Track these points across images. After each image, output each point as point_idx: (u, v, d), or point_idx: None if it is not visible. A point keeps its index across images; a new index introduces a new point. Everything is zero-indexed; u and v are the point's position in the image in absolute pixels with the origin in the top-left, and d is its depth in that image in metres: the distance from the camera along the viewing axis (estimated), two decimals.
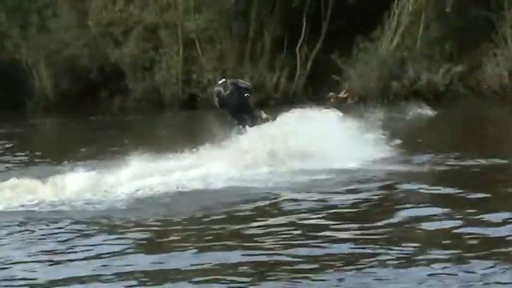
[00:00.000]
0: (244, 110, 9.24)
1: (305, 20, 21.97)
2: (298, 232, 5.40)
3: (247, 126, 9.45)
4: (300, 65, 22.39)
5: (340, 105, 18.17)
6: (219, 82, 9.66)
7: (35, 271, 4.77)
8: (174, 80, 23.06)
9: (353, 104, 19.17)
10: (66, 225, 6.17)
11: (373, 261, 4.40)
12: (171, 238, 5.55)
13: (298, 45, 22.32)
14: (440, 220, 5.49)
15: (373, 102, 19.37)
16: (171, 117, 20.27)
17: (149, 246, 5.50)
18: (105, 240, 5.66)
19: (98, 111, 21.85)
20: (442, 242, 4.85)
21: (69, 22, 24.02)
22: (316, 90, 21.66)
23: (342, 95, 20.50)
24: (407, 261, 4.37)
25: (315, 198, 6.82)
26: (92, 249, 5.25)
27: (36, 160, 10.85)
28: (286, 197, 6.76)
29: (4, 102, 22.74)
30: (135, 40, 22.89)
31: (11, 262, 5.05)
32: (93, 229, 6.05)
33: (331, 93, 20.75)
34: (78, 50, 23.89)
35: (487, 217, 5.54)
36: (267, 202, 6.67)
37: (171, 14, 22.37)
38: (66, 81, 24.28)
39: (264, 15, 22.26)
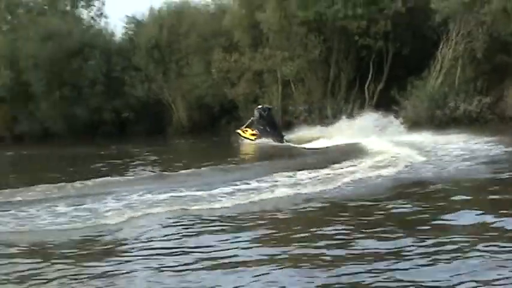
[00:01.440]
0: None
1: (371, 65, 31.06)
2: None
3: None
4: (368, 98, 31.41)
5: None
6: (259, 106, 22.12)
7: None
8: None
9: (408, 128, 28.67)
10: None
11: None
12: None
13: (367, 84, 31.34)
14: None
15: (423, 126, 27.39)
16: None
17: None
18: None
19: (219, 134, 31.72)
20: None
21: (198, 69, 33.85)
22: None
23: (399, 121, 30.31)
24: None
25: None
26: None
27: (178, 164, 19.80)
28: None
29: (152, 129, 34.22)
30: (246, 82, 32.66)
31: None
32: None
33: None
34: (205, 90, 33.75)
35: None
36: None
37: (271, 62, 31.57)
38: (196, 113, 34.58)
39: (341, 62, 31.50)
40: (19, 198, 12.97)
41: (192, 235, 9.39)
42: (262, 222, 10.16)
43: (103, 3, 38.43)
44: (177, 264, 7.77)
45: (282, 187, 13.04)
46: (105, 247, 8.95)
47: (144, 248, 8.70)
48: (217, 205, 11.53)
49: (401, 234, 8.67)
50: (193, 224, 10.11)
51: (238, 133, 27.47)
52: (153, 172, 17.61)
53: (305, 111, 32.23)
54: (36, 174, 19.23)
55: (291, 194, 12.30)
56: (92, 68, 35.24)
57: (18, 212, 11.52)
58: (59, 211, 11.44)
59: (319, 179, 13.98)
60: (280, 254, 8.04)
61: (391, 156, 17.22)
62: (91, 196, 12.88)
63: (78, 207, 11.77)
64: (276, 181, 13.91)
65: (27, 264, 8.02)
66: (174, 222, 10.21)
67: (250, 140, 26.60)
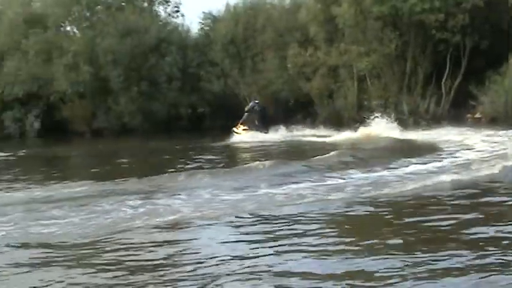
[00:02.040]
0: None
1: (449, 60, 32.33)
2: None
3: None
4: (445, 93, 32.72)
5: (476, 124, 29.77)
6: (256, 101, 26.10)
7: None
8: (350, 106, 34.11)
9: (486, 123, 30.30)
10: None
11: None
12: None
13: (444, 79, 32.60)
14: None
15: (501, 121, 29.19)
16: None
17: None
18: None
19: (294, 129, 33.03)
20: None
21: (273, 65, 35.96)
22: (457, 113, 32.12)
23: (477, 116, 31.83)
24: None
25: None
26: None
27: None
28: None
29: (227, 124, 36.34)
30: (321, 77, 34.39)
31: None
32: None
33: (468, 115, 32.03)
34: (280, 86, 35.76)
35: None
36: None
37: (347, 57, 33.27)
38: (272, 108, 35.76)
39: (417, 56, 32.82)
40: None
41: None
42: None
43: (179, 0, 40.87)
44: None
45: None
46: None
47: None
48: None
49: None
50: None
51: (234, 131, 30.43)
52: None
53: (380, 106, 33.66)
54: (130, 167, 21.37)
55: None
56: (169, 64, 37.60)
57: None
58: None
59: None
60: None
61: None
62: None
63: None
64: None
65: None
66: None
67: (239, 133, 30.10)
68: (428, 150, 20.34)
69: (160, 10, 41.37)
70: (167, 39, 38.58)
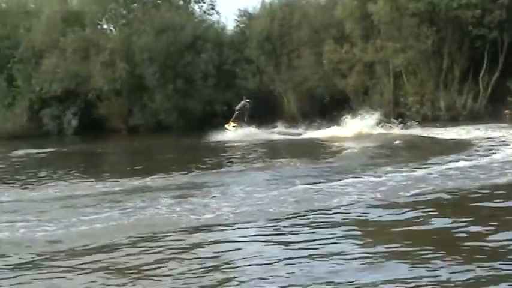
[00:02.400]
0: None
1: (486, 56, 33.29)
2: None
3: None
4: (482, 89, 33.72)
5: None
6: (247, 100, 28.12)
7: None
8: (386, 102, 34.99)
9: None
10: None
11: None
12: None
13: (481, 74, 33.63)
14: None
15: None
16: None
17: None
18: None
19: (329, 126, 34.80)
20: None
21: (309, 61, 37.10)
22: (494, 108, 33.03)
23: None
24: None
25: None
26: None
27: None
28: None
29: (263, 119, 37.46)
30: (357, 73, 35.47)
31: None
32: None
33: (506, 111, 32.80)
34: (315, 82, 36.89)
35: None
36: None
37: (383, 53, 34.26)
38: (307, 105, 37.57)
39: (454, 52, 33.79)
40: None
41: None
42: None
43: None
44: None
45: None
46: None
47: None
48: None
49: None
50: None
51: (225, 128, 32.35)
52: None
53: (417, 103, 34.54)
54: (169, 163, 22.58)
55: None
56: (204, 61, 38.88)
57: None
58: None
59: None
60: None
61: None
62: None
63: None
64: None
65: None
66: None
67: (230, 130, 31.86)
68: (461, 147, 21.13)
69: (196, 8, 42.70)
70: (203, 36, 39.87)
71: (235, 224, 10.80)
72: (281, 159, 19.77)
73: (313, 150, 23.15)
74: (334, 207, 11.59)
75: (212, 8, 42.42)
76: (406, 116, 33.79)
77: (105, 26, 42.14)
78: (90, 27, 40.39)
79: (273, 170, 17.69)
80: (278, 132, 31.75)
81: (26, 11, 42.96)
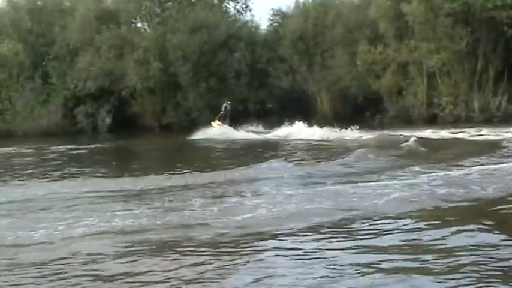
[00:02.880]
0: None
1: None
2: None
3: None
4: None
5: None
6: (229, 102, 31.10)
7: None
8: (420, 103, 36.03)
9: None
10: None
11: None
12: None
13: None
14: None
15: None
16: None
17: None
18: None
19: (363, 126, 34.00)
20: None
21: (342, 61, 38.33)
22: None
23: None
24: None
25: None
26: None
27: None
28: None
29: (295, 119, 38.05)
30: (391, 74, 36.51)
31: None
32: None
33: None
34: (349, 82, 38.11)
35: None
36: None
37: (417, 54, 35.20)
38: (340, 105, 38.96)
39: (488, 53, 34.78)
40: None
41: None
42: None
43: None
44: None
45: None
46: None
47: None
48: None
49: None
50: None
51: (211, 124, 35.97)
52: None
53: (451, 103, 35.58)
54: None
55: None
56: (237, 60, 40.38)
57: None
58: None
59: None
60: None
61: None
62: None
63: None
64: None
65: None
66: None
67: (214, 127, 35.64)
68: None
69: (230, 6, 44.15)
70: (236, 35, 41.36)
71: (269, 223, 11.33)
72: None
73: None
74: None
75: (246, 7, 43.86)
76: (439, 117, 34.95)
77: (139, 25, 43.97)
78: (124, 26, 42.05)
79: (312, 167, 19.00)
80: (259, 132, 34.72)
81: (61, 9, 44.94)
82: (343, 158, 20.58)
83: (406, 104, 36.91)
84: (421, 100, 36.43)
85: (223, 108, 36.53)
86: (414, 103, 36.59)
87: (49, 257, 9.55)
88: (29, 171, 21.44)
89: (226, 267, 8.79)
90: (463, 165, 17.50)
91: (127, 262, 9.16)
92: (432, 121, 34.98)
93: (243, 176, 17.42)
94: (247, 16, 44.47)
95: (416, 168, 17.05)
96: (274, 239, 10.22)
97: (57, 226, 11.50)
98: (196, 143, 31.72)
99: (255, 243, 10.09)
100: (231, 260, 9.09)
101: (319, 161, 20.69)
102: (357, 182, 15.20)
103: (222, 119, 36.15)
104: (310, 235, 10.41)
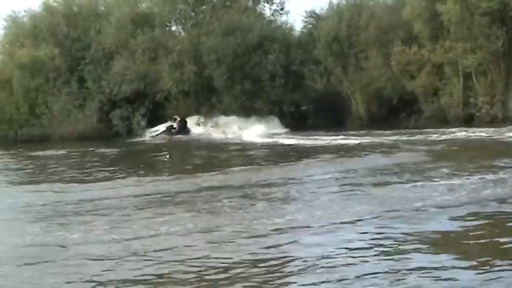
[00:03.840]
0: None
1: None
2: None
3: None
4: None
5: None
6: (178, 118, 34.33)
7: None
8: (456, 103, 36.62)
9: None
10: None
11: None
12: None
13: None
14: None
15: None
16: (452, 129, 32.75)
17: None
18: None
19: (398, 127, 34.99)
20: None
21: (376, 63, 39.04)
22: None
23: None
24: None
25: None
26: None
27: None
28: None
29: (330, 120, 39.24)
30: (426, 74, 37.11)
31: None
32: None
33: None
34: (383, 83, 38.76)
35: None
36: None
37: (452, 54, 35.74)
38: (375, 106, 39.72)
39: None
40: None
41: None
42: None
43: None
44: None
45: None
46: None
47: None
48: None
49: None
50: None
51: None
52: None
53: (487, 104, 35.98)
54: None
55: None
56: (272, 62, 41.06)
57: None
58: None
59: None
60: None
61: None
62: None
63: None
64: None
65: None
66: None
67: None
68: None
69: (265, 8, 45.13)
70: (270, 37, 42.12)
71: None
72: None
73: None
74: None
75: (281, 9, 44.62)
76: (476, 117, 35.39)
77: (173, 28, 44.88)
78: (159, 29, 43.07)
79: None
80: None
81: (97, 14, 46.40)
82: None
83: (441, 105, 37.40)
84: (456, 100, 36.96)
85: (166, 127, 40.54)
86: (450, 103, 37.14)
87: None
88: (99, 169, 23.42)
89: None
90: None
91: None
92: (468, 121, 35.37)
93: None
94: (282, 18, 45.28)
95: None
96: None
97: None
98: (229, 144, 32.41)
99: None
100: None
101: None
102: None
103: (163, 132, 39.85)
104: None
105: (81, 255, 10.36)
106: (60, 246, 11.02)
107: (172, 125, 40.93)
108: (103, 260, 10.04)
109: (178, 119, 41.07)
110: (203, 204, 14.47)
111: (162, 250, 10.37)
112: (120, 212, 14.03)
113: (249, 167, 21.23)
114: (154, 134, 40.67)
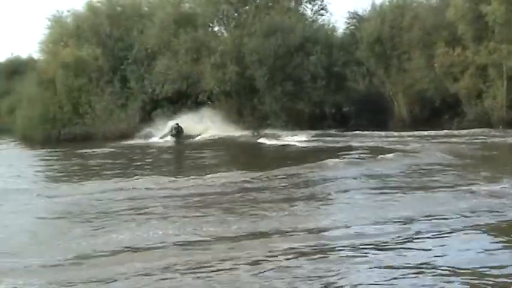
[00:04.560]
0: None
1: None
2: None
3: None
4: None
5: None
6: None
7: None
8: (499, 105, 36.66)
9: None
10: None
11: None
12: None
13: None
14: None
15: None
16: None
17: None
18: None
19: (440, 129, 35.64)
20: None
21: (419, 64, 39.21)
22: None
23: None
24: None
25: None
26: None
27: None
28: None
29: (373, 122, 39.29)
30: (469, 76, 37.21)
31: None
32: None
33: None
34: (426, 85, 38.93)
35: None
36: None
37: (497, 56, 35.92)
38: (418, 108, 39.93)
39: None
40: None
41: None
42: None
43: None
44: None
45: None
46: None
47: None
48: None
49: None
50: None
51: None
52: None
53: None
54: None
55: None
56: (314, 63, 41.47)
57: None
58: None
59: None
60: None
61: None
62: None
63: None
64: None
65: None
66: None
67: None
68: None
69: (307, 9, 45.61)
70: (312, 38, 42.50)
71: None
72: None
73: None
74: None
75: (323, 9, 45.07)
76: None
77: (216, 28, 45.53)
78: (201, 29, 43.75)
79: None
80: None
81: (140, 14, 47.19)
82: None
83: (485, 107, 37.45)
84: (500, 103, 36.99)
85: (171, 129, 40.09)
86: (493, 106, 37.15)
87: None
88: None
89: None
90: None
91: None
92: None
93: None
94: (324, 19, 45.69)
95: None
96: None
97: None
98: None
99: None
100: None
101: None
102: None
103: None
104: None
105: None
106: None
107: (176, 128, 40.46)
108: None
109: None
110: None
111: None
112: None
113: None
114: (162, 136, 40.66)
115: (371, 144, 30.12)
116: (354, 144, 30.51)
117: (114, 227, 13.49)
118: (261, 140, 36.14)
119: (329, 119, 41.67)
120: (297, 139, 34.69)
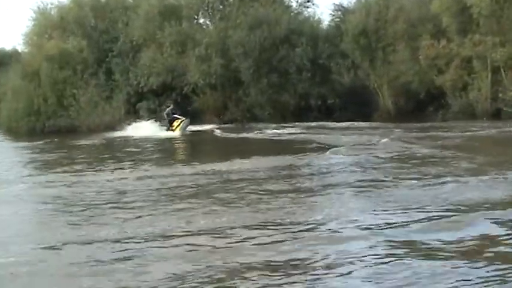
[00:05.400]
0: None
1: None
2: None
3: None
4: None
5: None
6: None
7: None
8: (484, 97, 36.75)
9: None
10: None
11: None
12: None
13: None
14: None
15: None
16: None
17: None
18: None
19: (424, 121, 35.87)
20: None
21: (404, 56, 39.28)
22: None
23: None
24: None
25: None
26: None
27: None
28: None
29: (357, 114, 39.28)
30: (454, 68, 37.30)
31: None
32: None
33: None
34: (411, 77, 39.09)
35: None
36: None
37: (481, 48, 36.01)
38: (402, 100, 40.21)
39: None
40: None
41: None
42: None
43: None
44: None
45: None
46: None
47: None
48: None
49: None
50: None
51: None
52: None
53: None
54: None
55: None
56: (299, 55, 41.72)
57: None
58: None
59: None
60: None
61: None
62: None
63: None
64: None
65: None
66: None
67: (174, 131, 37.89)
68: None
69: (293, 1, 46.17)
70: (297, 30, 42.81)
71: None
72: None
73: None
74: None
75: (308, 1, 45.29)
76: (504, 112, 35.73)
77: (201, 20, 45.70)
78: (186, 21, 43.85)
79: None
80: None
81: (124, 6, 47.32)
82: None
83: (469, 99, 37.58)
84: (485, 95, 37.12)
85: (167, 112, 39.10)
86: (478, 98, 37.29)
87: None
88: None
89: None
90: None
91: None
92: (496, 116, 35.69)
93: None
94: (309, 11, 46.01)
95: None
96: None
97: None
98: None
99: None
100: None
101: None
102: None
103: (171, 121, 38.51)
104: None
105: None
106: None
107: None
108: None
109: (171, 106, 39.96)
110: None
111: None
112: None
113: None
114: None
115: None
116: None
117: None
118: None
119: (314, 111, 41.82)
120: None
